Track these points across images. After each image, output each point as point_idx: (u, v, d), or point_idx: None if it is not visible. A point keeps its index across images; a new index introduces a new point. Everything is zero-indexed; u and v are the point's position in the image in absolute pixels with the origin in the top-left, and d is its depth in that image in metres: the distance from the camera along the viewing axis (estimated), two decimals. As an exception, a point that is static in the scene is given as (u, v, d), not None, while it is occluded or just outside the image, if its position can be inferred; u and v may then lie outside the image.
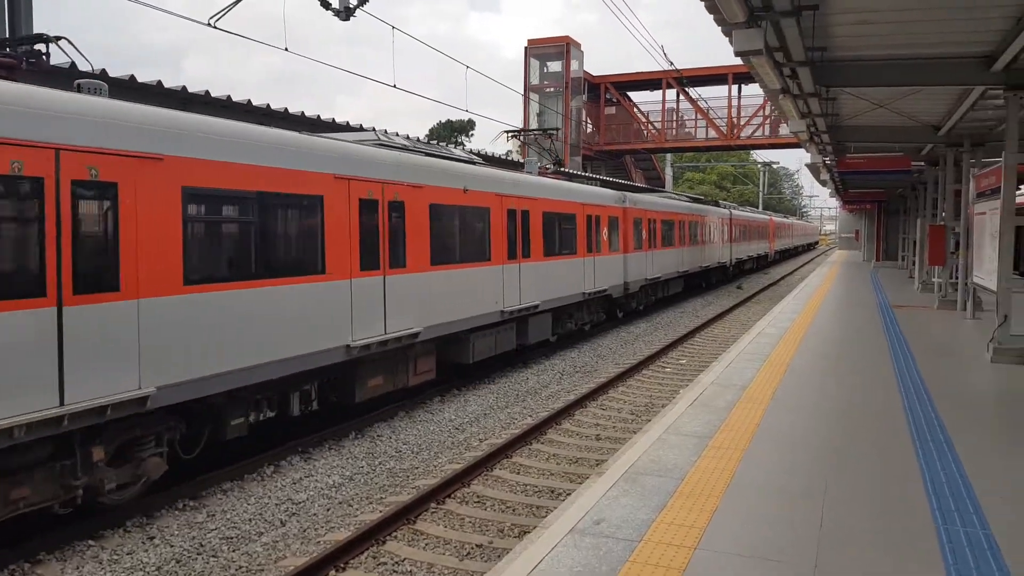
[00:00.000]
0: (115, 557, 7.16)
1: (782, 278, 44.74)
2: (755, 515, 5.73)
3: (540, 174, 19.91)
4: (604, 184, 26.66)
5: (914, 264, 27.63)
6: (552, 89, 43.60)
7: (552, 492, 8.97)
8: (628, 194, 22.88)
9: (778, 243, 60.87)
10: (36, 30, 11.46)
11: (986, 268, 13.29)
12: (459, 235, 13.37)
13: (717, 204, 39.51)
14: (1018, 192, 11.77)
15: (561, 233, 17.60)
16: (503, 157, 23.18)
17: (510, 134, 22.19)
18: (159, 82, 11.77)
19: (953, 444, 7.36)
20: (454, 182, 13.17)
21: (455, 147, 20.49)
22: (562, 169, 25.29)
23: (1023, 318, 11.28)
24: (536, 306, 16.07)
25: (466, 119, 59.41)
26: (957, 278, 18.63)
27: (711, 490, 6.22)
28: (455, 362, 13.83)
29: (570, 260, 18.11)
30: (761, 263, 52.13)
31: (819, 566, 4.89)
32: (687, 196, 35.71)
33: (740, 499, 6.03)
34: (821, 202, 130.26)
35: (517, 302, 15.36)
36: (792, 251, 76.56)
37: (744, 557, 5.04)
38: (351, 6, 13.56)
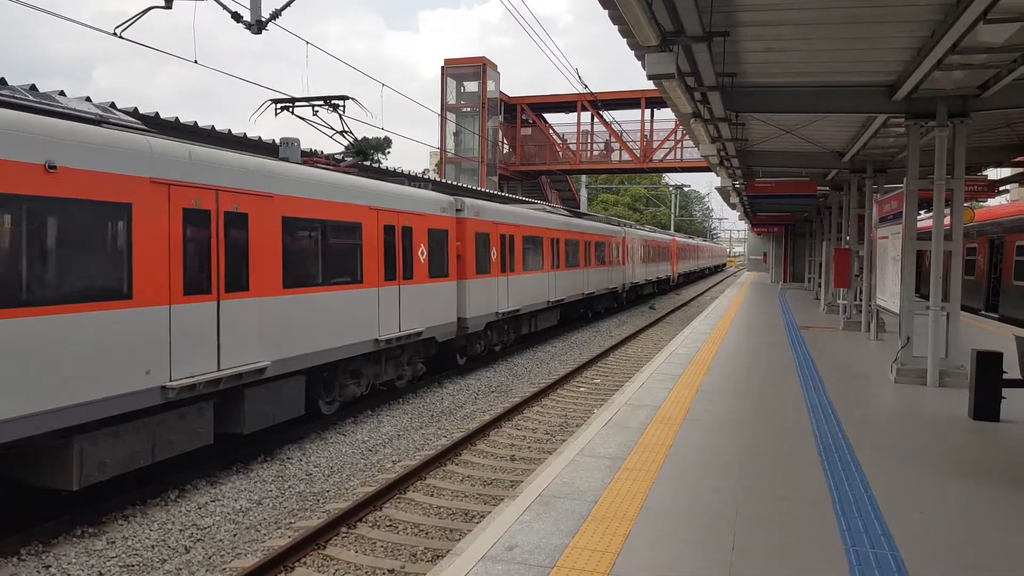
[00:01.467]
0: (5, 588, 6.71)
1: (693, 298, 45.84)
2: (668, 538, 5.63)
3: (315, 164, 13.12)
4: (442, 189, 19.39)
5: (820, 286, 28.67)
6: (469, 109, 43.69)
7: (466, 514, 8.77)
8: (468, 200, 17.36)
9: (682, 265, 57.31)
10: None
11: (888, 291, 13.81)
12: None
13: (609, 221, 35.16)
14: (919, 217, 12.25)
15: (328, 251, 11.77)
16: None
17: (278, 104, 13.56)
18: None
19: (860, 464, 7.48)
20: None
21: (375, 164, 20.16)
22: (368, 163, 20.13)
23: (924, 340, 11.69)
24: (262, 368, 10.15)
25: (383, 137, 58.95)
26: (861, 300, 19.37)
27: (624, 513, 6.09)
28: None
29: (348, 292, 12.23)
30: (663, 287, 48.70)
31: (732, 590, 4.80)
32: (566, 210, 30.88)
33: (653, 522, 5.92)
34: (731, 224, 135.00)
35: (213, 366, 9.43)
36: (698, 274, 73.85)
37: (658, 583, 4.92)
38: (263, 20, 13.16)
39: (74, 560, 7.37)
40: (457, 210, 16.71)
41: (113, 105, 10.52)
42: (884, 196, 15.81)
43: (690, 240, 70.36)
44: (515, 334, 20.94)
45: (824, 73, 11.13)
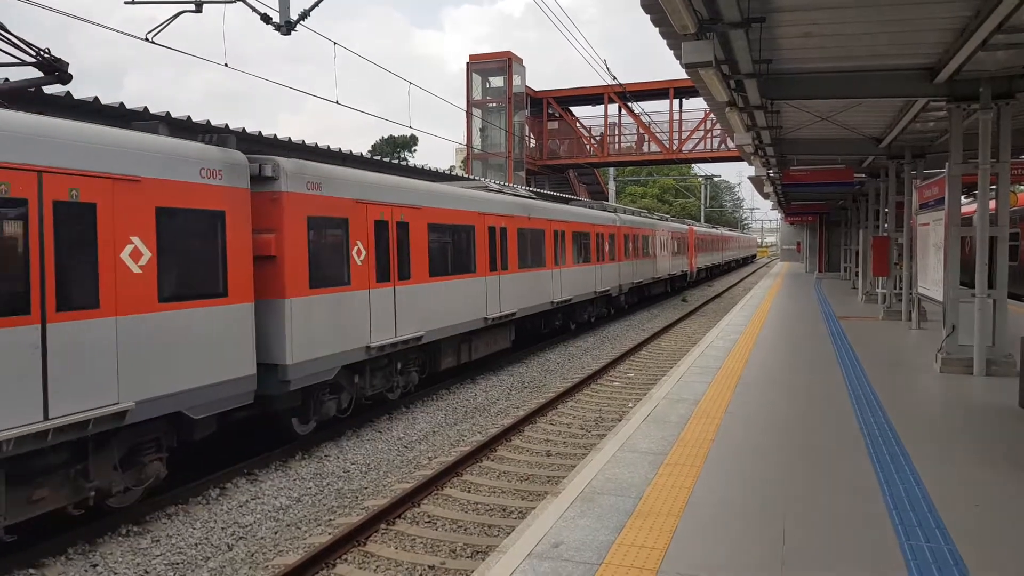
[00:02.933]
0: (57, 585, 6.81)
1: (726, 290, 45.36)
2: (716, 533, 5.52)
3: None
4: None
5: (857, 275, 28.20)
6: (495, 105, 43.58)
7: (504, 510, 8.72)
8: (287, 162, 10.13)
9: (703, 258, 50.28)
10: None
11: (930, 279, 13.50)
12: None
13: (597, 207, 27.49)
14: (962, 203, 11.96)
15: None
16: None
17: None
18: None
19: (910, 456, 7.30)
20: None
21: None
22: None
23: (970, 328, 11.40)
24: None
25: (408, 135, 59.15)
26: (901, 289, 18.99)
27: (670, 509, 5.99)
28: None
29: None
30: (678, 284, 41.28)
31: (784, 586, 4.69)
32: (528, 191, 24.06)
33: (699, 517, 5.82)
34: (762, 214, 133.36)
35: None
36: (723, 267, 65.89)
37: (707, 579, 4.82)
38: (291, 20, 13.23)
39: (120, 559, 7.45)
40: (265, 177, 9.74)
41: (146, 110, 10.58)
42: (924, 182, 15.46)
43: (712, 230, 61.55)
44: (422, 372, 14.06)
45: (862, 57, 10.88)
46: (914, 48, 10.30)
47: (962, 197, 14.89)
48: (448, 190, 14.90)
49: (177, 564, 7.40)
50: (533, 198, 20.85)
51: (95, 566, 7.27)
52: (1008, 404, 9.44)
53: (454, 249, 14.77)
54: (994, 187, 11.72)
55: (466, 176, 24.13)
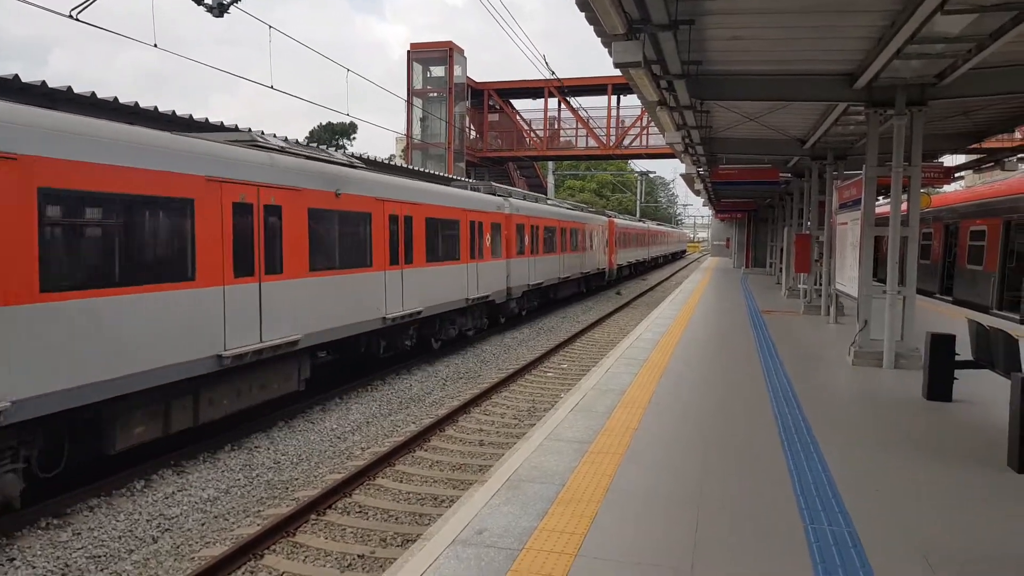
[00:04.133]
0: (-31, 581, 6.70)
1: (659, 284, 46.30)
2: (633, 520, 5.75)
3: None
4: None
5: (781, 271, 29.12)
6: (435, 94, 43.38)
7: (436, 499, 8.85)
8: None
9: (625, 254, 45.95)
10: None
11: (847, 275, 14.11)
12: None
13: (469, 187, 22.77)
14: (877, 203, 12.52)
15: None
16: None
17: None
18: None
19: (819, 444, 7.70)
20: None
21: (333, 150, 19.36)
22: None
23: (881, 323, 11.99)
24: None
25: (348, 122, 58.37)
26: (821, 285, 19.74)
27: (591, 496, 6.21)
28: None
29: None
30: (593, 285, 37.52)
31: (695, 569, 4.94)
32: (330, 155, 14.64)
33: (619, 504, 6.05)
34: (695, 210, 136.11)
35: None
36: (649, 264, 62.10)
37: (622, 563, 5.04)
38: (224, 2, 12.98)
39: (39, 552, 7.31)
40: None
41: (70, 89, 10.30)
42: (844, 183, 16.12)
43: (637, 223, 56.23)
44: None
45: (787, 62, 11.29)
46: (836, 54, 10.75)
47: (879, 198, 15.59)
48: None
49: (99, 557, 7.30)
50: (347, 164, 14.19)
51: (12, 560, 7.12)
52: (913, 395, 9.99)
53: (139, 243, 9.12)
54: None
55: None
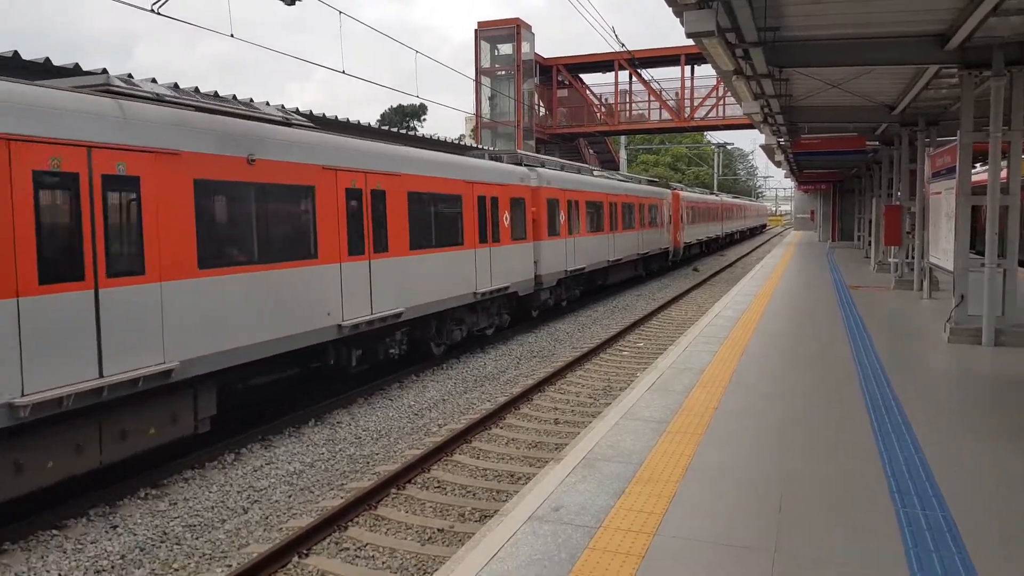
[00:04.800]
0: (79, 546, 7.13)
1: (738, 259, 45.21)
2: (713, 500, 5.63)
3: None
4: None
5: (870, 244, 28.03)
6: (504, 72, 43.15)
7: (512, 476, 8.89)
8: None
9: (693, 231, 40.66)
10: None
11: (942, 248, 13.44)
12: None
13: (488, 157, 18.87)
14: (973, 171, 11.85)
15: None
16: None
17: None
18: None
19: (911, 425, 7.36)
20: None
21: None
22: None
23: (979, 298, 11.37)
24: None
25: (418, 104, 58.93)
26: (913, 258, 18.90)
27: (669, 475, 6.10)
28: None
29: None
30: (654, 267, 33.13)
31: (779, 549, 4.80)
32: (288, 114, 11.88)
33: (698, 484, 5.93)
34: (776, 182, 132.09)
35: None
36: (722, 241, 56.02)
37: (703, 542, 4.94)
38: (296, -9, 13.21)
39: (139, 521, 7.69)
40: None
41: (154, 80, 10.64)
42: (937, 150, 15.31)
43: (708, 196, 50.34)
44: None
45: (871, 24, 10.74)
46: (924, 14, 10.16)
47: (976, 165, 14.77)
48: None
49: (194, 526, 7.62)
50: (305, 125, 11.45)
51: (115, 527, 7.51)
52: (1016, 375, 9.47)
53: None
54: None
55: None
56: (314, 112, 15.21)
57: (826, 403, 8.30)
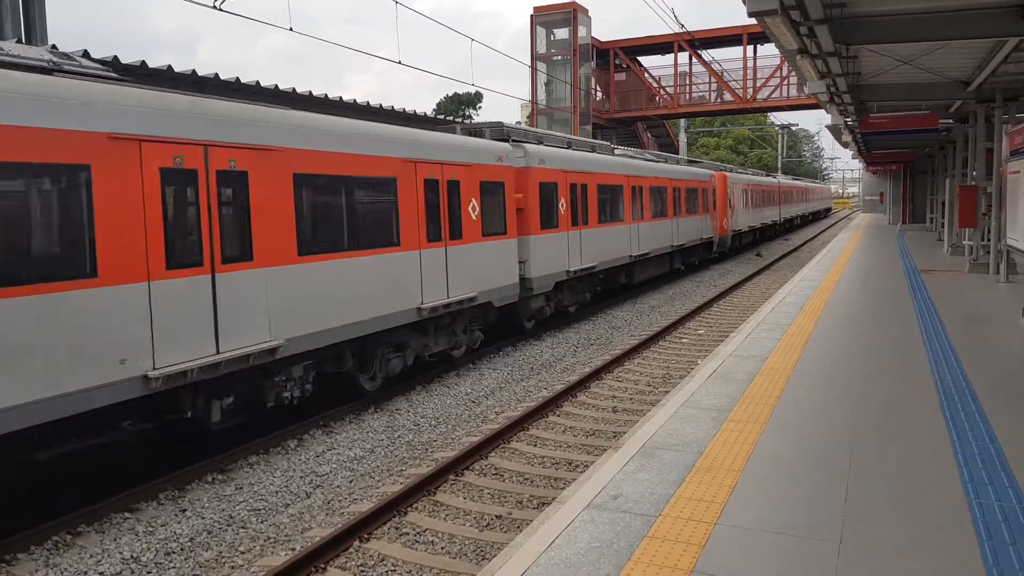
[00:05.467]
0: (150, 529, 7.39)
1: (804, 243, 44.09)
2: (776, 489, 5.51)
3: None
4: None
5: (943, 227, 27.02)
6: (560, 57, 42.79)
7: (570, 464, 8.87)
8: None
9: (744, 217, 36.26)
10: (49, 28, 11.39)
11: (1020, 229, 12.84)
12: None
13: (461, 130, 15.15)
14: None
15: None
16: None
17: None
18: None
19: (986, 414, 7.07)
20: None
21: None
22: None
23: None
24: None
25: (473, 92, 59.05)
26: (989, 240, 18.13)
27: (731, 464, 6.00)
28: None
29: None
30: (696, 258, 29.16)
31: (844, 541, 4.67)
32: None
33: (761, 473, 5.81)
34: (843, 164, 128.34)
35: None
36: (784, 226, 51.47)
37: (766, 532, 4.84)
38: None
39: (207, 504, 7.93)
40: None
41: (217, 76, 10.84)
42: (1016, 127, 14.60)
43: (760, 178, 44.09)
44: None
45: (945, -5, 10.28)
46: (1003, -17, 9.68)
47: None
48: None
49: (259, 510, 7.82)
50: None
51: (184, 511, 7.76)
52: (1099, 360, 9.00)
53: None
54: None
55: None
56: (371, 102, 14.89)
57: (895, 391, 8.03)
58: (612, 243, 19.54)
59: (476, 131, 15.10)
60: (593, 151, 19.92)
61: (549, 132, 20.31)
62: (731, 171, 37.22)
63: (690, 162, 32.09)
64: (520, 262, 15.07)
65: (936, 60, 14.32)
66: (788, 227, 54.80)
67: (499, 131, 15.52)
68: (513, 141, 15.35)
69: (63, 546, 6.99)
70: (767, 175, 49.49)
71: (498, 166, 14.21)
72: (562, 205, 16.54)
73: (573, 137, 20.67)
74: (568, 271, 16.75)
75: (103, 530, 7.32)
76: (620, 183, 20.25)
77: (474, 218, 13.36)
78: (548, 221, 16.02)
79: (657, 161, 25.84)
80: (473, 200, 13.36)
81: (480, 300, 13.48)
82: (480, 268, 13.51)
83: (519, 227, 15.06)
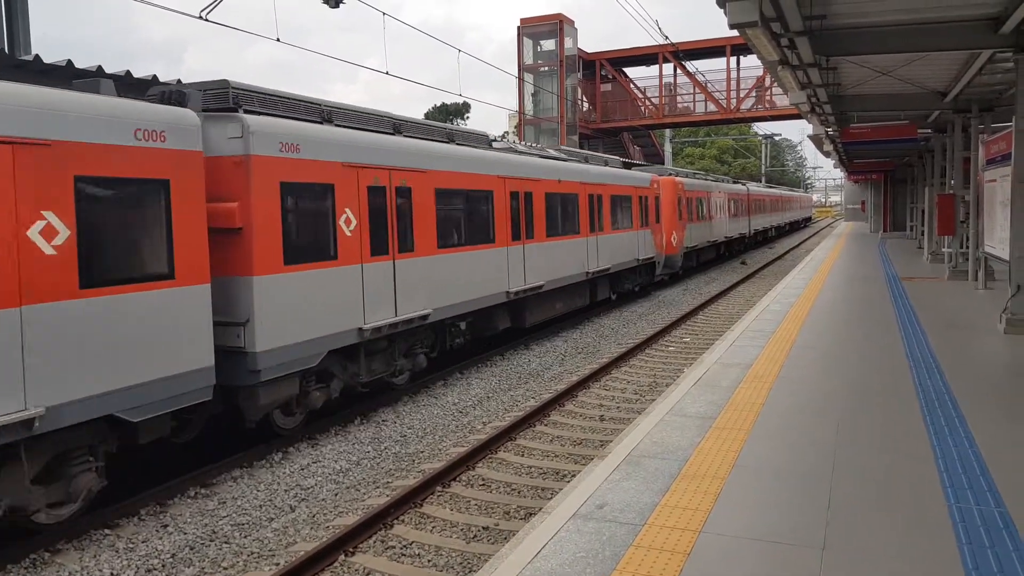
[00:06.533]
0: (131, 545, 7.29)
1: (788, 251, 44.44)
2: (761, 497, 5.57)
3: None
4: None
5: (923, 234, 27.33)
6: (547, 68, 43.06)
7: (557, 474, 8.89)
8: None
9: (699, 231, 30.54)
10: (32, 34, 11.38)
11: (998, 237, 13.06)
12: None
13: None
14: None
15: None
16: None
17: None
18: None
19: (965, 419, 7.18)
20: None
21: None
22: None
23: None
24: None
25: (461, 102, 59.43)
26: (967, 248, 18.38)
27: (715, 472, 6.06)
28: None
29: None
30: (630, 285, 22.78)
31: (827, 547, 4.73)
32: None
33: (745, 481, 5.87)
34: (826, 173, 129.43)
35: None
36: (756, 239, 47.04)
37: (750, 539, 4.89)
38: (340, -7, 13.43)
39: (189, 520, 7.83)
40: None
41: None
42: (992, 137, 14.85)
43: (722, 185, 37.42)
44: None
45: (922, 9, 10.47)
46: (977, -3, 9.88)
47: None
48: None
49: (243, 524, 7.74)
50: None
51: (166, 526, 7.67)
52: (1076, 366, 9.15)
53: None
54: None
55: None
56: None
57: (877, 397, 8.13)
58: (466, 275, 13.49)
59: (174, 96, 8.50)
60: (431, 139, 13.20)
61: (347, 106, 11.55)
62: (689, 176, 32.15)
63: (626, 164, 25.52)
64: (225, 325, 8.86)
65: (914, 71, 14.56)
66: (761, 240, 49.57)
67: (222, 93, 9.40)
68: (246, 110, 9.33)
69: (41, 564, 6.88)
70: (734, 181, 44.02)
71: (133, 147, 7.50)
72: (347, 221, 10.52)
73: (374, 111, 12.24)
74: (364, 328, 10.75)
75: (83, 547, 7.21)
76: (486, 187, 14.29)
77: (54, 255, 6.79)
78: (308, 249, 9.93)
79: (564, 159, 19.40)
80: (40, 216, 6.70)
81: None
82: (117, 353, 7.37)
83: (228, 261, 8.92)
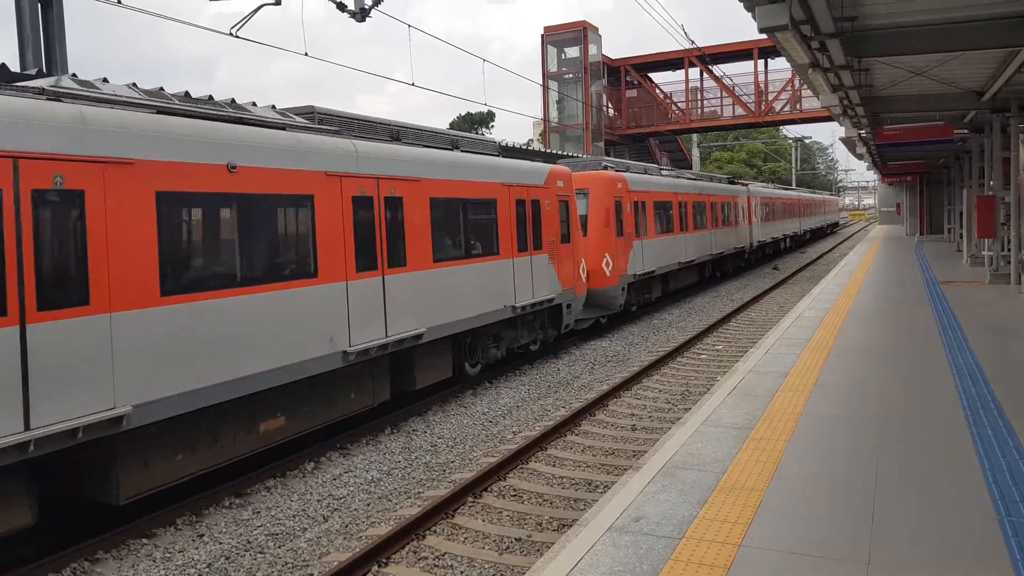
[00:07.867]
0: (168, 555, 7.36)
1: (820, 256, 43.79)
2: (802, 509, 5.42)
3: None
4: None
5: (961, 237, 26.77)
6: (571, 76, 43.04)
7: (589, 484, 8.79)
8: None
9: (672, 248, 23.22)
10: (68, 52, 11.61)
11: (1039, 239, 12.71)
12: None
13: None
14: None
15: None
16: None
17: None
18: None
19: (1014, 429, 6.95)
20: None
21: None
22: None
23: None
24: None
25: (485, 111, 59.71)
26: (1009, 251, 17.95)
27: (754, 484, 5.91)
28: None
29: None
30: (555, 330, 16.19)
31: (872, 563, 4.58)
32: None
33: (785, 493, 5.72)
34: (858, 175, 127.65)
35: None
36: (765, 251, 39.40)
37: (792, 553, 4.75)
38: (366, 7, 13.53)
39: (224, 529, 7.90)
40: None
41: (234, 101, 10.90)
42: (1032, 136, 14.49)
43: (715, 184, 30.71)
44: None
45: (957, 7, 10.23)
46: (1016, -7, 9.63)
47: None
48: None
49: (277, 535, 7.78)
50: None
51: (201, 536, 7.74)
52: None
53: None
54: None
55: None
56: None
57: (919, 407, 7.91)
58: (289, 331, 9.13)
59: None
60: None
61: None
62: (640, 172, 22.77)
63: (505, 150, 16.71)
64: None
65: (949, 71, 14.25)
66: (771, 252, 40.99)
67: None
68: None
69: (81, 573, 6.98)
70: (731, 181, 35.23)
71: None
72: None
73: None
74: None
75: (121, 556, 7.31)
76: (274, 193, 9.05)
77: None
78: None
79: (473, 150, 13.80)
80: None
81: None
82: None
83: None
